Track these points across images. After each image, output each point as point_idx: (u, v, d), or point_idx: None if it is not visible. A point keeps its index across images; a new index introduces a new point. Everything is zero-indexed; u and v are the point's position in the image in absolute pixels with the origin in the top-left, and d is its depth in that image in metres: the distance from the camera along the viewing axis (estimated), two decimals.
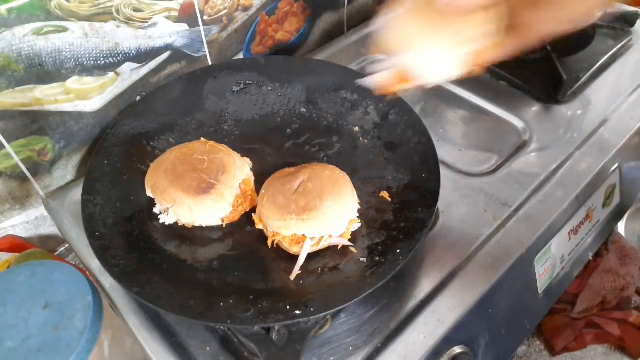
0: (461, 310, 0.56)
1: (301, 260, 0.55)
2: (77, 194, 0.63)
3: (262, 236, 0.59)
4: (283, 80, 0.74)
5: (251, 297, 0.52)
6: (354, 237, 0.58)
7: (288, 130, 0.74)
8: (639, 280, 1.10)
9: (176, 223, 0.60)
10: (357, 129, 0.73)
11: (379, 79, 0.50)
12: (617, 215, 0.84)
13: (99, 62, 0.68)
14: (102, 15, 0.65)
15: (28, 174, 0.69)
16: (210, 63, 0.82)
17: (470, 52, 0.47)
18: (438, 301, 0.57)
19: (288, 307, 0.50)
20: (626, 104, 0.83)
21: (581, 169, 0.72)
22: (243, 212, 0.61)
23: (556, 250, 0.69)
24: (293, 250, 0.56)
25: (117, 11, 0.66)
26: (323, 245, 0.56)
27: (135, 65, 0.72)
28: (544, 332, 1.09)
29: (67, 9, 0.62)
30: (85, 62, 0.67)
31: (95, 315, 0.49)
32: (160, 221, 0.60)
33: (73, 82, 0.67)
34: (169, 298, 0.51)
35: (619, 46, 0.92)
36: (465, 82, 0.87)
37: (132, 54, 0.71)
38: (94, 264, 0.60)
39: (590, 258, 0.80)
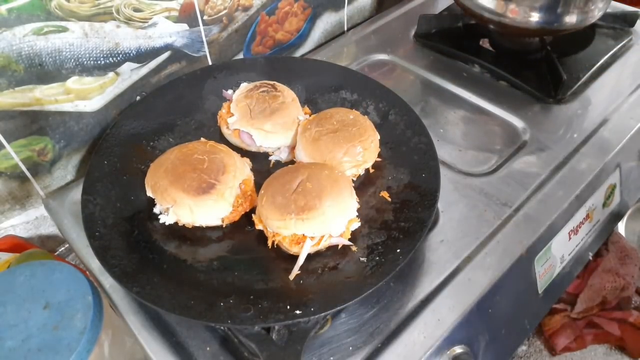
0: (461, 310, 0.56)
1: (301, 260, 0.55)
2: (77, 194, 0.63)
3: (262, 236, 0.59)
4: (283, 80, 0.74)
5: (251, 297, 0.52)
6: (354, 236, 0.58)
7: None
8: (639, 280, 1.10)
9: (176, 223, 0.60)
10: None
11: None
12: (617, 215, 0.84)
13: (99, 62, 0.68)
14: (102, 15, 0.65)
15: (28, 174, 0.69)
16: (210, 63, 0.82)
17: None
18: (438, 301, 0.57)
19: (288, 307, 0.50)
20: (626, 104, 0.83)
21: (581, 169, 0.72)
22: (243, 212, 0.61)
23: (556, 250, 0.69)
24: (293, 250, 0.56)
25: (117, 11, 0.66)
26: (323, 245, 0.56)
27: (135, 65, 0.72)
28: (544, 332, 1.09)
29: (67, 9, 0.62)
30: (85, 62, 0.67)
31: (95, 315, 0.49)
32: (160, 221, 0.60)
33: (73, 82, 0.67)
34: (169, 298, 0.51)
35: (619, 46, 0.92)
36: (466, 82, 0.87)
37: (132, 54, 0.71)
38: (94, 264, 0.60)
39: (590, 258, 0.80)
